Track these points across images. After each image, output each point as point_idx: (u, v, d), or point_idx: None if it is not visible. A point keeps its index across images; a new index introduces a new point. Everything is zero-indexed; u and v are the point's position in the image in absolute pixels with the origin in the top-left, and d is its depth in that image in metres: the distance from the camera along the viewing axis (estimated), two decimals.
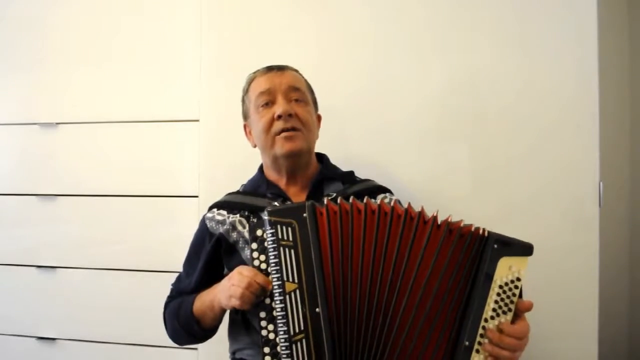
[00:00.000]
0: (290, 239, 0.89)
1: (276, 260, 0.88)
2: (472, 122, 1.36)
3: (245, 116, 1.17)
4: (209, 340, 1.14)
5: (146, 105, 1.56)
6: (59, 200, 1.61)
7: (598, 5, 1.30)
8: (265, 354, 0.88)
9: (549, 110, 1.32)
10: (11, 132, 1.67)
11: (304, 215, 0.90)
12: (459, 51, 1.37)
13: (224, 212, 1.11)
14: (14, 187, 1.66)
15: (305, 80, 1.17)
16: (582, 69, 1.31)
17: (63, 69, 1.63)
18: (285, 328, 0.86)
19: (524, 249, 0.89)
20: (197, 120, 1.51)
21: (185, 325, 1.07)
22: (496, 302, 0.87)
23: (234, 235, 1.07)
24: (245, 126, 1.19)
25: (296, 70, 1.16)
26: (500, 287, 0.87)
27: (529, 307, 0.89)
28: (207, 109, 1.50)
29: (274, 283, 0.88)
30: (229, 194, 1.16)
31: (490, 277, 0.87)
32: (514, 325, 0.87)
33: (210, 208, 1.15)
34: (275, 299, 0.88)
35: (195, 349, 1.46)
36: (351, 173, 1.17)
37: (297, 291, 0.87)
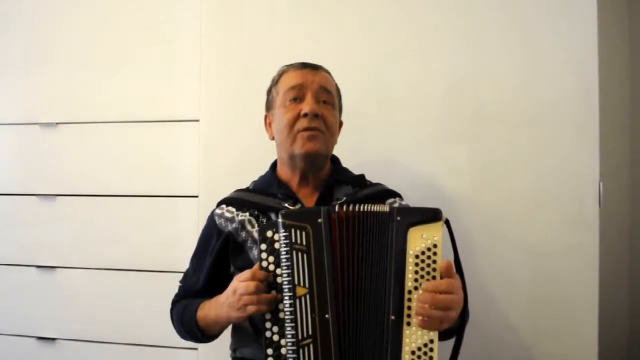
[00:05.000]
0: (304, 243, 0.89)
1: (288, 263, 0.88)
2: (473, 122, 1.36)
3: (269, 107, 1.15)
4: None
5: (146, 105, 1.56)
6: (59, 200, 1.61)
7: (598, 5, 1.30)
8: (268, 355, 0.88)
9: (549, 110, 1.32)
10: (11, 132, 1.67)
11: (319, 220, 0.90)
12: (460, 52, 1.37)
13: (233, 210, 1.10)
14: (14, 187, 1.66)
15: (336, 85, 1.16)
16: (582, 69, 1.31)
17: (63, 69, 1.63)
18: (294, 332, 0.86)
19: (430, 215, 0.88)
20: (197, 120, 1.51)
21: (189, 331, 1.08)
22: (416, 272, 0.86)
23: (243, 234, 1.07)
24: (266, 117, 1.17)
25: (329, 73, 1.15)
26: (417, 256, 0.87)
27: (447, 266, 0.86)
28: (207, 109, 1.50)
29: (284, 286, 0.88)
30: (239, 190, 1.15)
31: (401, 249, 0.87)
32: (437, 282, 0.86)
33: (219, 204, 1.14)
34: (284, 302, 0.88)
35: (195, 348, 1.46)
36: (362, 176, 1.17)
37: (307, 296, 0.87)
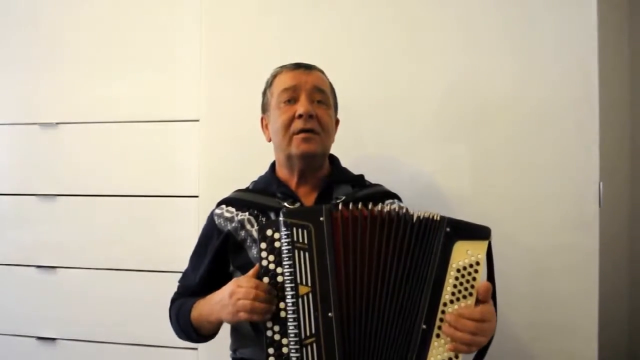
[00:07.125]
0: (306, 241, 0.88)
1: (290, 262, 0.88)
2: (473, 122, 1.36)
3: (264, 109, 1.16)
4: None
5: (146, 105, 1.56)
6: (59, 200, 1.61)
7: (598, 5, 1.30)
8: (269, 355, 0.87)
9: (549, 110, 1.32)
10: (11, 132, 1.67)
11: (321, 218, 0.90)
12: (460, 51, 1.37)
13: (233, 209, 1.10)
14: (14, 187, 1.66)
15: (330, 83, 1.16)
16: (582, 69, 1.31)
17: (63, 69, 1.63)
18: (297, 331, 0.86)
19: (480, 233, 0.88)
20: (197, 120, 1.51)
21: (184, 330, 1.08)
22: (454, 286, 0.86)
23: (242, 233, 1.07)
24: (262, 119, 1.18)
25: (322, 72, 1.15)
26: (458, 270, 0.86)
27: (487, 289, 0.86)
28: (207, 109, 1.50)
29: (286, 285, 0.88)
30: (238, 190, 1.16)
31: (445, 261, 0.87)
32: (472, 308, 0.86)
33: (219, 204, 1.14)
34: (287, 301, 0.88)
35: (195, 348, 1.46)
36: (361, 177, 1.17)
37: (310, 294, 0.87)
